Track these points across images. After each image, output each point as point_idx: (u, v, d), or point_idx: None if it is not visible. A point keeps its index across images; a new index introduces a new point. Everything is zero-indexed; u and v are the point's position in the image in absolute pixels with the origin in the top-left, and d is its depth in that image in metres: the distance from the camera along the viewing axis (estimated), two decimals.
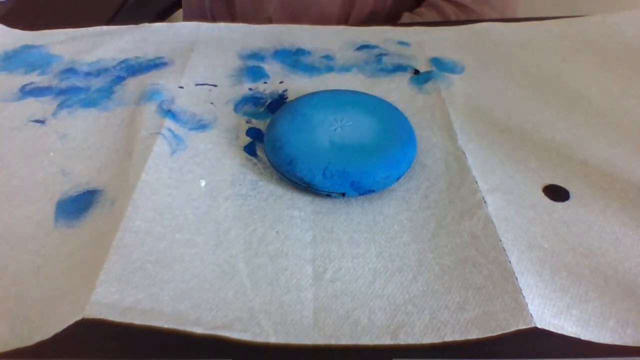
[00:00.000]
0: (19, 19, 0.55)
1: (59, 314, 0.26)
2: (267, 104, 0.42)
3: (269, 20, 0.63)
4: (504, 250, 0.29)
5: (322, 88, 0.39)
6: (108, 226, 0.30)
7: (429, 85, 0.44)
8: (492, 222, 0.31)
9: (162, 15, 0.73)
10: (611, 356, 0.25)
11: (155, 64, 0.47)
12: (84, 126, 0.38)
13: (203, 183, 0.34)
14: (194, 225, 0.31)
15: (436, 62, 0.48)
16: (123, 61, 0.47)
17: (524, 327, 0.25)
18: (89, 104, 0.41)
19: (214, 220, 0.31)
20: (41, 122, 0.39)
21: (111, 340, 0.25)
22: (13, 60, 0.45)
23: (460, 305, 0.27)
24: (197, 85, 0.43)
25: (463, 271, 0.29)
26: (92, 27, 0.52)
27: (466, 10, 0.60)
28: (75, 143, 0.37)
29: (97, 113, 0.40)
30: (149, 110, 0.39)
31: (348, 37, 0.52)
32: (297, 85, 0.44)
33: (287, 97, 0.43)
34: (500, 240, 0.30)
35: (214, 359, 0.25)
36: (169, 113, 0.39)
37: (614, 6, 0.61)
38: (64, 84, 0.42)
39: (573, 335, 0.26)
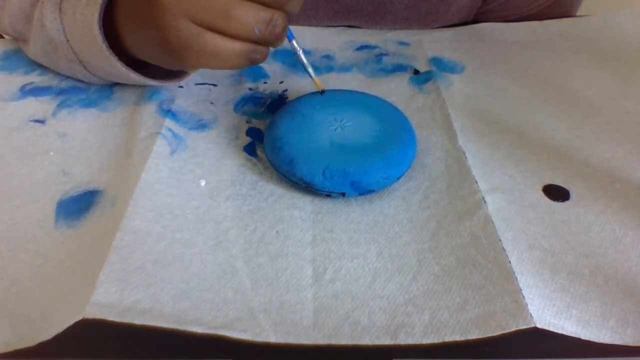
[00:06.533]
0: None
1: (59, 315, 0.26)
2: (267, 104, 0.42)
3: None
4: (504, 250, 0.29)
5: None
6: (108, 226, 0.30)
7: (429, 85, 0.44)
8: (492, 222, 0.31)
9: None
10: (611, 356, 0.25)
11: None
12: (84, 126, 0.38)
13: (203, 183, 0.34)
14: (194, 225, 0.31)
15: (436, 62, 0.48)
16: None
17: (524, 327, 0.25)
18: (89, 104, 0.41)
19: (214, 220, 0.31)
20: (41, 121, 0.39)
21: (111, 340, 0.25)
22: (13, 60, 0.45)
23: (460, 305, 0.27)
24: (196, 84, 0.43)
25: (463, 271, 0.29)
26: None
27: None
28: (75, 143, 0.37)
29: (97, 113, 0.40)
30: (149, 110, 0.39)
31: (348, 37, 0.52)
32: (297, 85, 0.44)
33: (287, 97, 0.43)
34: (500, 240, 0.30)
35: (214, 359, 0.25)
36: (169, 113, 0.39)
37: (614, 6, 0.61)
38: (64, 84, 0.42)
39: (573, 335, 0.26)
